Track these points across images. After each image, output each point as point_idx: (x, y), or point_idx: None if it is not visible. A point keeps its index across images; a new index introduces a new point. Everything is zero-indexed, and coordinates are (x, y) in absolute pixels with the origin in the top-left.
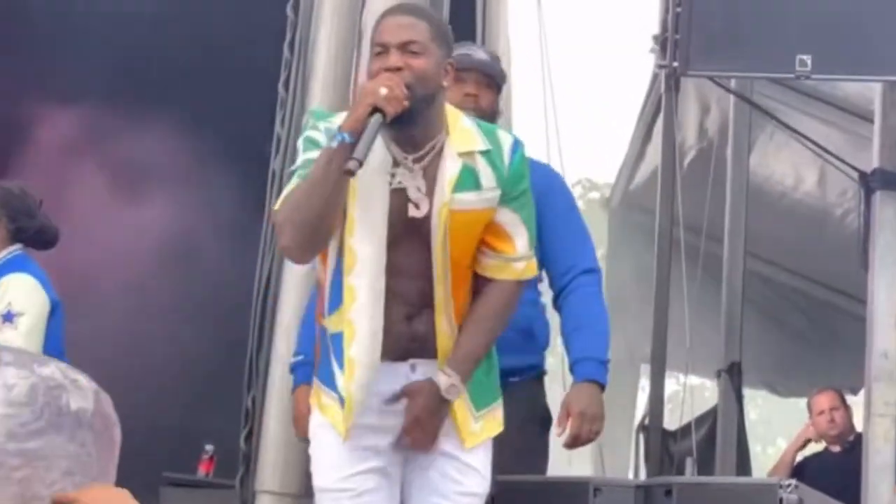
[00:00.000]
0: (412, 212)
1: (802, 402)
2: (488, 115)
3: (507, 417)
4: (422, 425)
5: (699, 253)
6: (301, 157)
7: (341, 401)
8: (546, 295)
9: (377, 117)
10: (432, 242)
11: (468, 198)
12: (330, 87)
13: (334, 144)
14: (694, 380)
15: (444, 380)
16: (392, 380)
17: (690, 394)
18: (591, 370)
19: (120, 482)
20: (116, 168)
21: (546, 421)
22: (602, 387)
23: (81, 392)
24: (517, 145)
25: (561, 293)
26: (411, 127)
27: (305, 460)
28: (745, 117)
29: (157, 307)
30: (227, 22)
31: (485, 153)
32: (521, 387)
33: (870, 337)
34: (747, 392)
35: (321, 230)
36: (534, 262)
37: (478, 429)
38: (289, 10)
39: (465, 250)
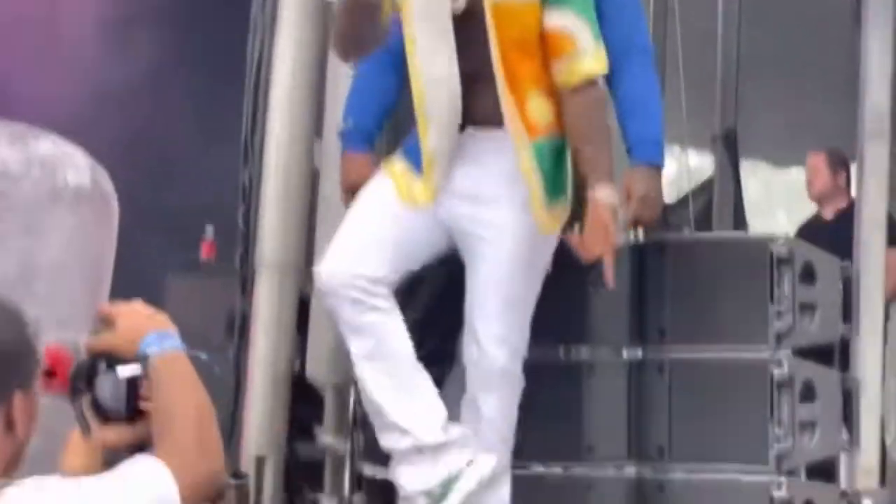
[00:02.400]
0: (451, 5)
1: (803, 173)
2: None
3: None
4: (608, 245)
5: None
6: None
7: (418, 166)
8: None
9: None
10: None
11: None
12: None
13: None
14: (693, 159)
15: (609, 197)
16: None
17: (688, 169)
18: (649, 153)
19: (123, 267)
20: None
21: None
22: (660, 168)
23: (78, 167)
24: None
25: (615, 72)
26: None
27: (305, 234)
28: None
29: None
30: None
31: None
32: None
33: (862, 93)
34: (745, 163)
35: (360, 37)
36: (603, 54)
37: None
38: None
39: (514, 42)
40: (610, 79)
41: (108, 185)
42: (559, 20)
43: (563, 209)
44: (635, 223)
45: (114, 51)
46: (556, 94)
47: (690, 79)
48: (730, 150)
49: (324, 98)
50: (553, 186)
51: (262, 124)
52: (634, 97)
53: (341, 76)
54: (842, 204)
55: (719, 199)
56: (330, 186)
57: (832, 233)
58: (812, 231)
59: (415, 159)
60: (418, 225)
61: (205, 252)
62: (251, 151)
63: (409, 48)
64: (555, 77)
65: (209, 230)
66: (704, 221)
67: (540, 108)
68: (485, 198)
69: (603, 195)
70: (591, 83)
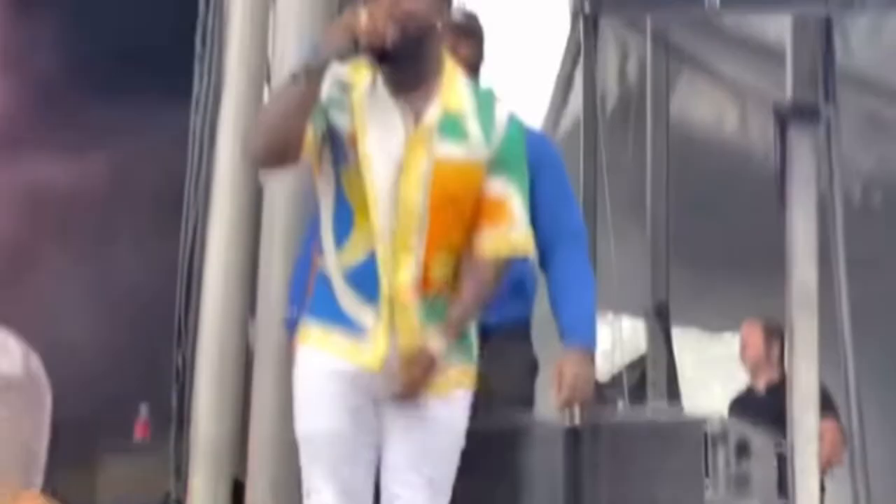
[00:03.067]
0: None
1: (736, 339)
2: (469, 64)
3: (498, 367)
4: (416, 388)
5: (623, 197)
6: None
7: (358, 329)
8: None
9: (349, 42)
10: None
11: (454, 148)
12: (247, 40)
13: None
14: (627, 324)
15: (436, 345)
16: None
17: (621, 337)
18: (581, 337)
19: (56, 451)
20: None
21: (533, 370)
22: (592, 352)
23: (10, 354)
24: (513, 116)
25: (547, 254)
26: (402, 66)
27: (240, 417)
28: (662, 60)
29: (79, 269)
30: None
31: (474, 111)
32: (510, 337)
33: (789, 270)
34: (678, 331)
35: (285, 135)
36: (531, 237)
37: (443, 380)
38: None
39: (452, 199)
40: (542, 260)
41: (40, 374)
42: (502, 189)
43: (470, 369)
44: (567, 403)
45: None
46: (459, 254)
47: (622, 249)
48: (662, 322)
49: (257, 278)
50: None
51: (197, 305)
52: (567, 281)
53: (276, 240)
54: (774, 375)
55: (653, 373)
56: (263, 371)
57: (767, 407)
58: (746, 404)
59: (344, 321)
60: (368, 423)
61: (139, 432)
62: (185, 332)
63: (364, 165)
64: (480, 241)
65: (143, 409)
66: (639, 394)
67: (444, 266)
68: None
69: (435, 344)
70: (502, 257)
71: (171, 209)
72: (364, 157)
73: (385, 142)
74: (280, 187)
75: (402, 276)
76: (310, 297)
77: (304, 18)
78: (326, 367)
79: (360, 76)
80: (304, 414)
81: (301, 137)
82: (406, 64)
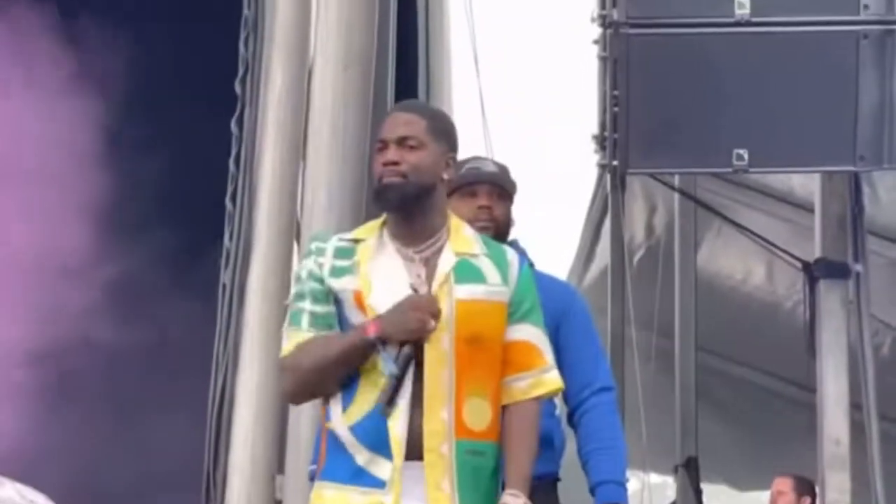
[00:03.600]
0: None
1: (766, 496)
2: (502, 225)
3: None
4: None
5: (652, 350)
6: (294, 289)
7: (375, 482)
8: (561, 407)
9: (410, 354)
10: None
11: (474, 289)
12: (276, 199)
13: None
14: (655, 478)
15: (515, 501)
16: None
17: (649, 492)
18: (612, 493)
19: None
20: None
21: None
22: None
23: None
24: (524, 260)
25: (577, 410)
26: (411, 216)
27: None
28: (690, 214)
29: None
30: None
31: (485, 253)
32: (538, 492)
33: (820, 424)
34: (707, 487)
35: (324, 389)
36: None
37: None
38: (233, 126)
39: (477, 340)
40: (571, 416)
41: None
42: (528, 334)
43: None
44: None
45: None
46: (493, 402)
47: (650, 403)
48: (692, 478)
49: (286, 437)
50: (477, 495)
51: (225, 460)
52: (598, 437)
53: (302, 422)
54: None
55: None
56: None
57: None
58: None
59: (361, 478)
60: None
61: None
62: (213, 488)
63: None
64: (515, 385)
65: None
66: None
67: (478, 413)
68: None
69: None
70: (540, 398)
71: (202, 362)
72: (370, 308)
73: (391, 294)
74: None
75: (432, 422)
76: (322, 461)
77: (334, 177)
78: None
79: (367, 232)
80: None
81: (336, 385)
82: (414, 216)
